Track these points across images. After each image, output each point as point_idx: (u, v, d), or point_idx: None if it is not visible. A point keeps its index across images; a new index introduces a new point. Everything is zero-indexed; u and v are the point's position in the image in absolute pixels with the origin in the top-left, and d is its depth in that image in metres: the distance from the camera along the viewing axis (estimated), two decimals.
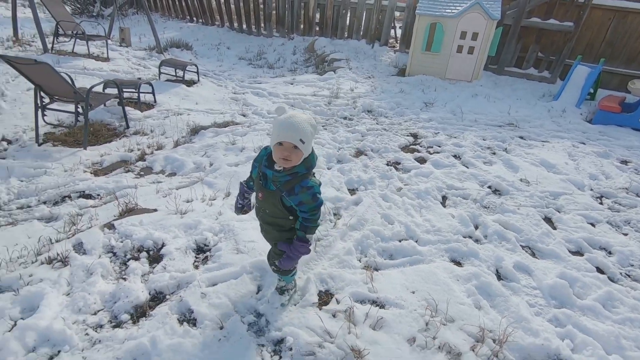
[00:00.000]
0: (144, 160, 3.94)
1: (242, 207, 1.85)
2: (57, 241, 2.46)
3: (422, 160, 3.78)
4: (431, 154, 3.92)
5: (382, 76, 7.40)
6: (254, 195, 1.75)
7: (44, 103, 4.12)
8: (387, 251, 2.39)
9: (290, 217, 1.61)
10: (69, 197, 3.22)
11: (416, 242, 2.45)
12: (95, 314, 1.83)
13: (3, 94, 5.12)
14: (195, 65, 6.85)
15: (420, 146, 4.14)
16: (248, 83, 7.20)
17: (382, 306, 1.93)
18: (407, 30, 8.31)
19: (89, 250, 2.29)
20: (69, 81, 3.95)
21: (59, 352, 1.62)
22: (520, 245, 2.51)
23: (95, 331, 1.72)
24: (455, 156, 3.89)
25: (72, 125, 4.45)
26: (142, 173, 3.69)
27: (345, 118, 5.03)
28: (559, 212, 2.94)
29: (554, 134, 4.78)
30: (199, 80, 6.91)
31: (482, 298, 2.01)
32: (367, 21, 8.91)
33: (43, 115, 4.21)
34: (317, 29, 9.77)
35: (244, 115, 5.22)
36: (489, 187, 3.26)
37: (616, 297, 2.10)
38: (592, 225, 2.86)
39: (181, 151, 4.07)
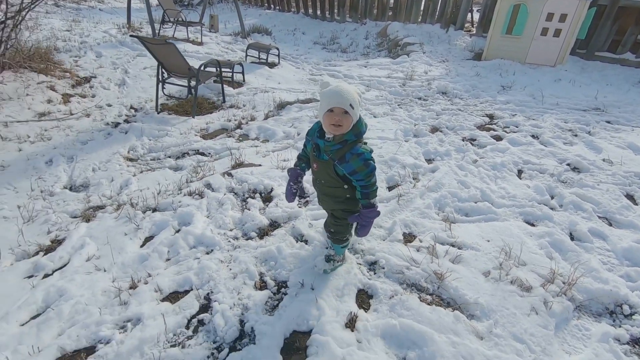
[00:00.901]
0: (241, 129, 4.60)
1: (295, 193, 1.85)
2: (191, 181, 3.15)
3: (498, 138, 3.91)
4: (507, 133, 4.02)
5: (456, 60, 7.37)
6: (304, 182, 1.86)
7: (163, 78, 4.97)
8: (462, 210, 2.68)
9: (345, 186, 1.65)
10: (187, 153, 3.96)
11: (491, 204, 2.70)
12: (231, 230, 2.43)
13: (126, 72, 6.19)
14: (277, 49, 7.46)
15: (497, 126, 4.25)
16: (323, 66, 7.66)
17: (459, 248, 2.25)
18: (486, 13, 8.09)
19: (217, 189, 2.93)
20: (184, 59, 4.71)
21: (212, 250, 2.23)
22: (597, 215, 2.63)
23: (235, 240, 2.31)
24: (533, 136, 3.96)
25: (183, 98, 5.30)
26: (240, 139, 4.34)
27: (419, 98, 5.25)
28: None
29: None
30: (279, 62, 7.53)
31: (554, 251, 2.23)
32: (443, 5, 8.82)
33: (163, 88, 5.08)
34: (390, 13, 9.87)
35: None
36: (568, 164, 3.33)
37: None
38: None
39: (271, 122, 4.65)
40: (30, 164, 3.55)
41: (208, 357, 1.51)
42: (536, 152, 3.55)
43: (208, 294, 1.85)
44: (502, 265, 2.10)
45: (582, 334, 1.72)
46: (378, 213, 1.67)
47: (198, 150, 3.98)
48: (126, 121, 4.70)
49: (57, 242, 2.46)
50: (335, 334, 1.62)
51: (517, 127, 4.18)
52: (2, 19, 4.66)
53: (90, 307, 1.74)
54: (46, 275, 2.07)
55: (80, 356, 1.52)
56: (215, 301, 1.80)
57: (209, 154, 3.93)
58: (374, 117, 4.54)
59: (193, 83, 4.86)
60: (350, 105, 1.46)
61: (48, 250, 2.36)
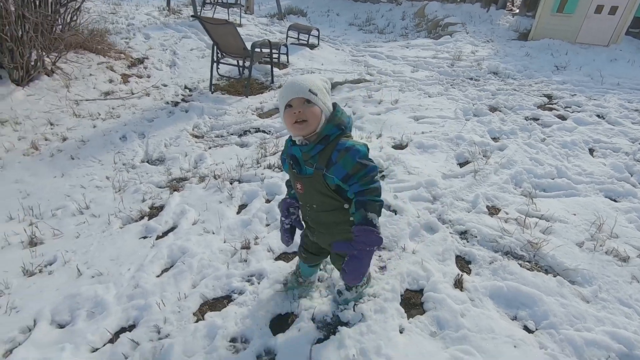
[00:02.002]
0: None
1: (289, 230, 1.43)
2: (265, 156, 3.28)
3: (562, 118, 3.87)
4: (571, 112, 3.97)
5: (501, 40, 7.19)
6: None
7: (218, 58, 5.08)
8: (539, 186, 2.72)
9: (346, 206, 1.23)
10: (249, 131, 4.09)
11: (569, 180, 2.72)
12: None
13: (175, 53, 6.35)
14: (317, 30, 7.45)
15: (557, 105, 4.20)
16: (363, 47, 7.62)
17: (547, 220, 2.30)
18: None
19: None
20: (242, 39, 4.80)
21: None
22: None
23: None
24: (598, 115, 3.89)
25: (233, 78, 5.42)
26: None
27: (471, 79, 5.20)
28: None
29: None
30: (318, 44, 7.52)
31: None
32: None
33: (217, 68, 5.20)
34: None
35: (370, 75, 5.69)
36: None
37: None
38: None
39: None
40: (107, 139, 3.76)
41: (334, 311, 1.64)
42: (605, 132, 3.51)
43: None
44: (593, 236, 2.14)
45: None
46: (380, 239, 1.15)
47: (258, 128, 4.11)
48: (184, 100, 4.87)
49: (155, 209, 2.64)
50: (448, 292, 1.73)
51: (579, 107, 4.12)
52: (65, 1, 4.85)
53: (214, 262, 1.91)
54: (158, 237, 2.26)
55: (222, 302, 1.69)
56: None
57: (269, 131, 4.05)
58: (429, 96, 4.54)
59: (247, 63, 4.96)
60: (311, 91, 1.13)
61: (151, 215, 2.54)
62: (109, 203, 2.81)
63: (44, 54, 4.37)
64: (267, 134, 3.99)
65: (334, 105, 1.23)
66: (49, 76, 4.64)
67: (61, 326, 1.60)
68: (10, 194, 2.89)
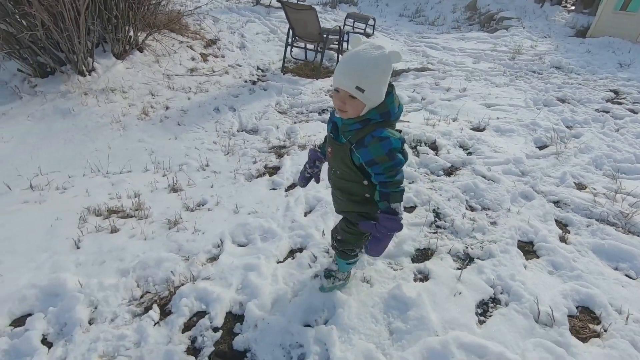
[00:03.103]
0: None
1: (308, 178, 1.56)
2: None
3: (632, 111, 4.05)
4: None
5: (558, 36, 7.26)
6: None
7: (292, 42, 5.45)
8: (620, 169, 2.96)
9: (365, 182, 1.28)
10: (326, 110, 4.44)
11: None
12: (420, 168, 2.88)
13: (243, 36, 6.75)
14: (374, 19, 7.70)
15: (626, 100, 4.36)
16: (417, 38, 7.83)
17: (633, 197, 2.56)
18: None
19: None
20: (320, 25, 5.14)
21: (413, 182, 2.70)
22: None
23: (428, 176, 2.77)
24: None
25: (304, 61, 5.77)
26: None
27: (534, 72, 5.38)
28: None
29: None
30: (373, 33, 7.77)
31: None
32: None
33: (291, 51, 5.57)
34: None
35: (431, 64, 5.94)
36: None
37: None
38: None
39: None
40: (203, 110, 4.20)
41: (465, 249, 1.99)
42: None
43: (434, 209, 2.32)
44: None
45: None
46: (400, 225, 1.22)
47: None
48: (259, 80, 5.26)
49: (270, 169, 3.04)
50: (557, 244, 2.04)
51: None
52: None
53: None
54: (286, 189, 2.65)
55: None
56: (441, 214, 2.27)
57: None
58: (496, 86, 4.77)
59: (319, 48, 5.30)
60: (358, 88, 1.08)
61: (270, 174, 2.94)
62: (223, 163, 3.23)
63: (138, 31, 4.84)
64: None
65: (388, 92, 1.17)
66: (140, 52, 5.12)
67: (242, 245, 2.01)
68: (138, 150, 3.36)
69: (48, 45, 3.97)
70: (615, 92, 4.66)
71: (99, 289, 1.60)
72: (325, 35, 5.16)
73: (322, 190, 2.49)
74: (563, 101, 4.33)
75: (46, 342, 1.41)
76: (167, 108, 4.15)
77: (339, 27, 5.48)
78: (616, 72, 5.33)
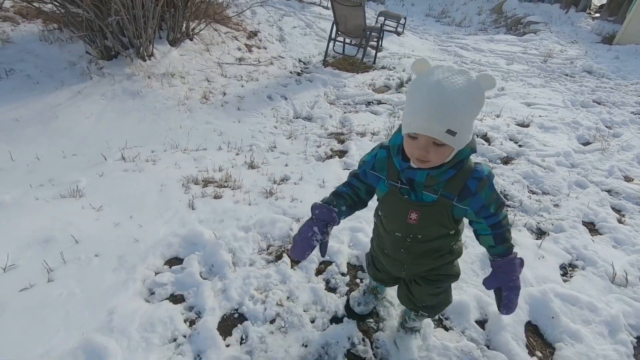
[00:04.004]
0: (404, 87, 5.25)
1: (313, 247, 1.07)
2: None
3: None
4: None
5: (585, 42, 7.50)
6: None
7: (335, 36, 5.70)
8: None
9: (452, 232, 1.11)
10: (372, 102, 4.70)
11: None
12: None
13: (281, 29, 7.01)
14: (405, 18, 7.93)
15: None
16: (446, 38, 8.07)
17: None
18: None
19: None
20: (366, 21, 5.39)
21: None
22: None
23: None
24: None
25: (349, 56, 6.03)
26: None
27: (567, 75, 5.63)
28: None
29: None
30: (403, 31, 8.02)
31: None
32: None
33: (333, 46, 5.83)
34: None
35: (464, 64, 6.19)
36: None
37: None
38: None
39: None
40: (258, 97, 4.46)
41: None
42: None
43: (501, 191, 2.59)
44: None
45: None
46: (522, 260, 1.07)
47: (380, 100, 4.71)
48: (303, 72, 5.52)
49: (336, 152, 3.31)
50: (616, 224, 2.30)
51: None
52: None
53: None
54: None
55: None
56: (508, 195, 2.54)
57: (390, 103, 4.64)
58: (533, 87, 5.03)
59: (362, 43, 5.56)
60: (449, 131, 0.84)
61: (339, 156, 3.20)
62: (288, 145, 3.50)
63: (190, 21, 5.11)
64: (388, 105, 4.58)
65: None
66: (191, 40, 5.38)
67: None
68: (207, 131, 3.63)
69: (116, 31, 4.23)
70: None
71: (234, 240, 1.87)
72: (368, 33, 5.42)
73: None
74: (599, 103, 4.58)
75: (203, 277, 1.68)
76: (224, 94, 4.41)
77: (381, 24, 5.73)
78: None
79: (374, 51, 6.46)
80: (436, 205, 1.02)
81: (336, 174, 2.78)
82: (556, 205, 2.48)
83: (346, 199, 1.14)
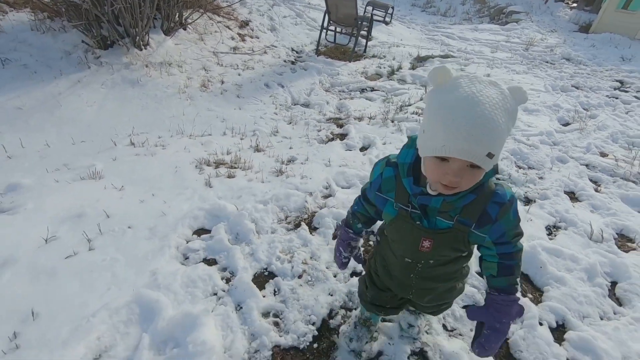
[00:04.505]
0: (395, 74, 5.46)
1: (347, 262, 1.25)
2: (402, 107, 4.10)
3: (637, 98, 4.65)
4: None
5: (564, 31, 7.86)
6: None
7: (327, 26, 5.84)
8: (634, 143, 3.53)
9: (464, 254, 1.03)
10: (365, 89, 4.89)
11: None
12: None
13: (272, 19, 7.08)
14: (392, 8, 8.12)
15: (630, 89, 4.97)
16: (432, 27, 8.30)
17: None
18: None
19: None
20: (357, 10, 5.54)
21: None
22: None
23: None
24: None
25: (340, 45, 6.18)
26: (401, 82, 5.21)
27: (547, 62, 5.95)
28: None
29: None
30: (391, 21, 8.20)
31: None
32: None
33: (325, 35, 5.97)
34: None
35: (452, 52, 6.43)
36: None
37: None
38: None
39: (420, 71, 5.50)
40: (256, 85, 4.59)
41: None
42: None
43: None
44: None
45: None
46: (522, 310, 0.96)
47: (373, 87, 4.91)
48: (297, 60, 5.65)
49: (336, 135, 3.49)
50: (593, 192, 2.58)
51: None
52: None
53: None
54: (360, 150, 3.11)
55: None
56: (499, 169, 2.79)
57: (383, 90, 4.84)
58: (517, 73, 5.32)
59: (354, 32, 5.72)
60: (489, 155, 0.72)
61: (340, 138, 3.39)
62: (289, 130, 3.66)
63: (184, 10, 5.16)
64: (381, 91, 4.78)
65: None
66: (184, 30, 5.43)
67: (346, 187, 2.47)
68: (210, 117, 3.75)
69: (112, 19, 4.26)
70: (621, 82, 5.27)
71: (255, 211, 2.04)
72: (359, 22, 5.58)
73: (395, 151, 2.96)
74: (577, 88, 4.90)
75: (231, 244, 1.85)
76: (222, 82, 4.51)
77: (371, 14, 5.89)
78: (620, 64, 5.96)
79: (364, 40, 6.63)
80: (451, 231, 0.91)
81: (339, 155, 2.97)
82: (541, 178, 2.75)
83: (359, 218, 1.17)
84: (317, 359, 1.34)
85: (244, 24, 6.53)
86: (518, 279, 0.96)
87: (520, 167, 2.90)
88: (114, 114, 3.58)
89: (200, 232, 1.96)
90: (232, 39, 5.80)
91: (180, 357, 1.23)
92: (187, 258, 1.75)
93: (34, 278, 1.53)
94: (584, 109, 4.28)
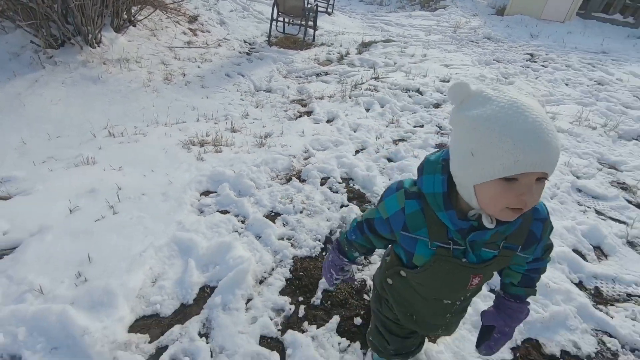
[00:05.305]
0: (344, 59, 5.98)
1: (339, 282, 1.14)
2: (355, 86, 4.61)
3: (544, 66, 5.63)
4: (549, 63, 5.75)
5: (484, 14, 8.95)
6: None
7: (276, 17, 6.18)
8: (544, 100, 4.38)
9: None
10: (319, 74, 5.35)
11: (558, 98, 4.42)
12: (413, 104, 3.98)
13: (219, 13, 7.25)
14: None
15: (539, 59, 5.96)
16: (371, 16, 8.97)
17: (552, 113, 3.94)
18: None
19: (382, 88, 4.43)
20: (304, 1, 5.95)
21: (415, 112, 3.78)
22: (621, 105, 4.43)
23: (429, 108, 3.88)
24: (566, 66, 5.71)
25: (290, 35, 6.54)
26: (351, 66, 5.74)
27: (472, 41, 6.84)
28: None
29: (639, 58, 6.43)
30: (332, 11, 8.73)
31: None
32: None
33: (276, 26, 6.30)
34: None
35: (392, 37, 7.11)
36: (595, 81, 5.12)
37: None
38: None
39: (367, 55, 6.08)
40: (217, 76, 4.85)
41: None
42: (572, 74, 5.31)
43: (437, 125, 3.43)
44: (579, 119, 3.82)
45: None
46: (529, 312, 0.98)
47: (326, 72, 5.39)
48: (251, 51, 5.94)
49: (303, 113, 3.90)
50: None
51: (553, 60, 5.92)
52: None
53: (380, 128, 3.28)
54: (325, 122, 3.56)
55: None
56: (442, 127, 3.39)
57: (336, 73, 5.34)
58: (448, 52, 6.10)
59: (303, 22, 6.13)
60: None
61: (307, 115, 3.80)
62: (259, 113, 4.01)
63: (131, 7, 5.23)
64: (333, 75, 5.26)
65: None
66: (134, 27, 5.48)
67: (322, 150, 2.90)
68: (181, 107, 3.97)
69: (61, 18, 4.26)
70: (531, 54, 6.27)
71: (250, 172, 2.40)
72: (307, 12, 5.99)
73: (358, 120, 3.46)
74: (498, 61, 5.78)
75: (237, 197, 2.21)
76: (184, 74, 4.70)
77: (317, 4, 6.33)
78: (529, 40, 7.03)
79: (312, 30, 7.05)
80: (496, 259, 0.83)
81: (310, 127, 3.40)
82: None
83: (358, 249, 1.05)
84: None
85: (193, 19, 6.64)
86: (536, 290, 0.95)
87: None
88: (83, 110, 3.66)
89: (206, 193, 2.28)
90: (184, 33, 5.92)
91: (224, 270, 1.59)
92: (202, 211, 2.08)
93: (74, 237, 1.77)
94: (504, 77, 5.12)
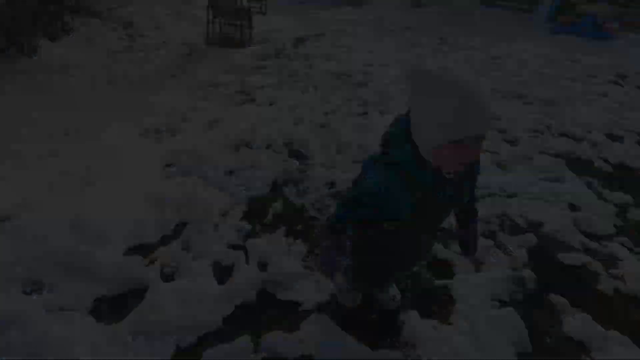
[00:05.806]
0: (280, 54, 6.51)
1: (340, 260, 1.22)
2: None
3: (453, 50, 6.60)
4: (457, 47, 6.73)
5: (403, 7, 10.00)
6: None
7: (212, 18, 6.56)
8: None
9: None
10: (258, 67, 5.83)
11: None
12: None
13: (153, 17, 7.43)
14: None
15: (447, 42, 6.96)
16: (303, 14, 9.58)
17: None
18: None
19: (313, 75, 5.03)
20: (237, 3, 6.38)
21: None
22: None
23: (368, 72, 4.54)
24: (470, 47, 6.73)
25: (227, 35, 6.93)
26: (286, 59, 6.26)
27: (393, 30, 7.72)
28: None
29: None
30: (266, 11, 9.20)
31: None
32: None
33: (213, 25, 6.67)
34: None
35: (324, 32, 7.78)
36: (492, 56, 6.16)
37: None
38: None
39: (301, 49, 6.67)
40: (163, 75, 5.16)
41: None
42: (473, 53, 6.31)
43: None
44: None
45: None
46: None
47: (265, 66, 5.87)
48: (192, 52, 6.26)
49: (243, 101, 4.38)
50: None
51: (459, 43, 6.94)
52: None
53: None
54: (268, 105, 4.08)
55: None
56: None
57: (274, 67, 5.84)
58: (374, 41, 6.89)
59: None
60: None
61: (252, 101, 4.29)
62: (205, 104, 4.41)
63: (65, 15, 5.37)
64: (274, 67, 5.77)
65: None
66: (68, 35, 5.60)
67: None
68: (129, 106, 4.25)
69: None
70: (442, 38, 7.26)
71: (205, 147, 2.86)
72: (242, 13, 6.43)
73: (298, 99, 4.01)
74: (414, 46, 6.66)
75: None
76: (128, 77, 4.95)
77: (249, 6, 6.81)
78: (441, 27, 8.07)
79: (248, 30, 7.47)
80: (456, 194, 1.07)
81: (255, 110, 3.89)
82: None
83: (352, 221, 1.18)
84: None
85: (128, 24, 6.78)
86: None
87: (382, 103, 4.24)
88: (37, 117, 3.78)
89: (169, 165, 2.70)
90: (122, 39, 6.10)
91: (194, 210, 2.05)
92: (168, 177, 2.51)
93: None
94: (419, 59, 5.97)
